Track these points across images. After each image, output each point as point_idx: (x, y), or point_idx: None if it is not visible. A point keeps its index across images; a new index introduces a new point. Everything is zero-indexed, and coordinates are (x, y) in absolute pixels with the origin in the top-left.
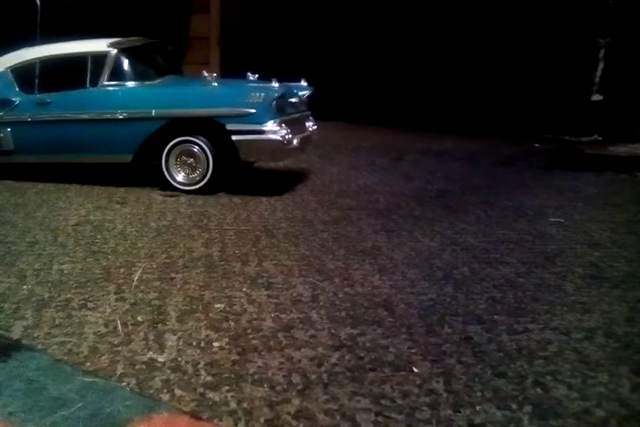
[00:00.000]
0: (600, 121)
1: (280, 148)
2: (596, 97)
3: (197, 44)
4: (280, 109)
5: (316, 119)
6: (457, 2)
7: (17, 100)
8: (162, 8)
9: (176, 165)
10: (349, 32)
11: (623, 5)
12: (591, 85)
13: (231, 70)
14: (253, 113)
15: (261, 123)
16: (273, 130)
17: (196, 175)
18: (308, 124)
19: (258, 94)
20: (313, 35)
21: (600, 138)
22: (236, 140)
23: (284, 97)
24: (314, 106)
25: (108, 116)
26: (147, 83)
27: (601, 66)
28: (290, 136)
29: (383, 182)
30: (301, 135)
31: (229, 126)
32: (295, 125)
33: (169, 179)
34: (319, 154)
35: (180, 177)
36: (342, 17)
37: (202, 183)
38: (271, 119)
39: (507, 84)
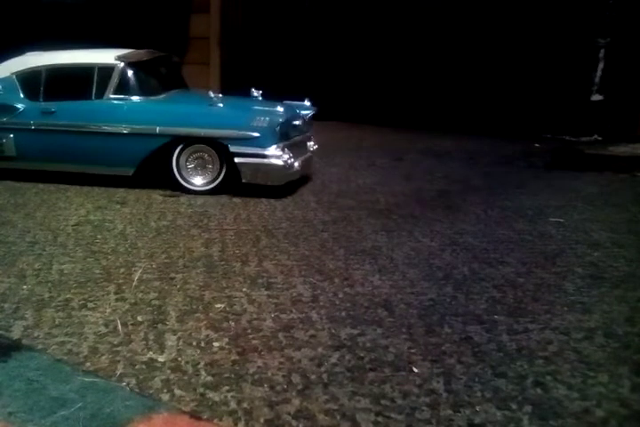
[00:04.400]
0: (600, 121)
1: (282, 172)
2: (596, 97)
3: (197, 44)
4: (283, 134)
5: (316, 119)
6: (457, 2)
7: (21, 106)
8: (162, 8)
9: (187, 166)
10: (349, 32)
11: (623, 5)
12: (591, 85)
13: (231, 71)
14: (257, 137)
15: (264, 147)
16: (276, 154)
17: (207, 176)
18: (309, 144)
19: (262, 118)
20: (313, 34)
21: (600, 138)
22: (239, 163)
23: (288, 121)
24: (315, 106)
25: (112, 129)
26: (152, 98)
27: (601, 66)
28: (292, 160)
29: (383, 182)
30: (302, 158)
31: (232, 148)
32: (297, 148)
33: (180, 180)
34: (319, 154)
35: (193, 178)
36: (342, 17)
37: (214, 184)
38: (274, 144)
39: (507, 84)
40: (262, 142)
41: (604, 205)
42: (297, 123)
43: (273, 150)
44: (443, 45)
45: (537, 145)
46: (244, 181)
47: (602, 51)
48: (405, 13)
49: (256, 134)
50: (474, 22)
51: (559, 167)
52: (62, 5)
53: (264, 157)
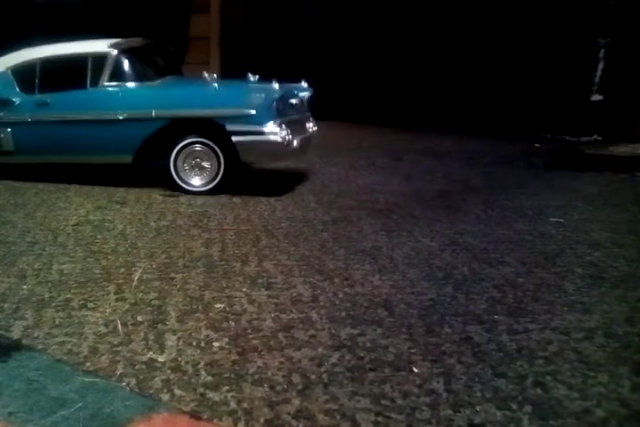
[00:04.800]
0: (600, 121)
1: (280, 149)
2: (596, 97)
3: (197, 44)
4: (280, 111)
5: (316, 119)
6: (457, 2)
7: (17, 100)
8: (162, 8)
9: (184, 167)
10: (349, 32)
11: (623, 5)
12: (591, 85)
13: (231, 70)
14: (253, 114)
15: (261, 124)
16: (273, 131)
17: (205, 176)
18: (308, 125)
19: (258, 95)
20: (313, 35)
21: (600, 138)
22: (236, 142)
23: (284, 98)
24: (314, 106)
25: (108, 116)
26: (147, 83)
27: (601, 66)
28: (290, 137)
29: (383, 182)
30: (302, 136)
31: (229, 127)
32: (295, 127)
33: (177, 180)
34: (319, 154)
35: (191, 179)
36: (342, 17)
37: (213, 184)
38: (271, 120)
39: (507, 84)
40: (259, 119)
41: (604, 205)
42: (294, 101)
43: (270, 127)
44: (443, 45)
45: (537, 145)
46: (242, 160)
47: (602, 51)
48: (405, 13)
49: (252, 111)
50: (474, 22)
51: (559, 167)
52: (62, 5)
53: (262, 134)
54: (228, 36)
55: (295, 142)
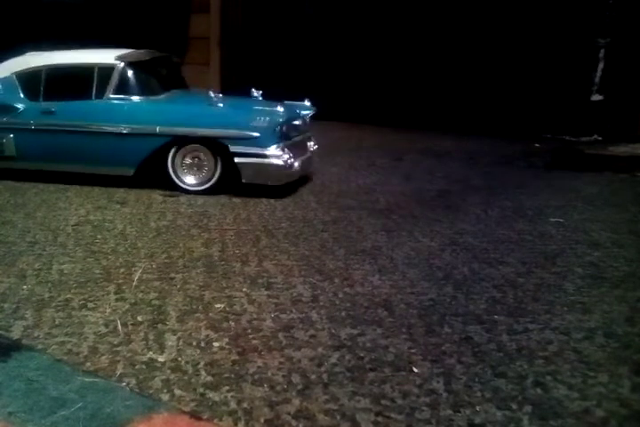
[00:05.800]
0: (600, 121)
1: (282, 172)
2: (596, 97)
3: (197, 44)
4: (283, 134)
5: (317, 119)
6: (457, 2)
7: (21, 106)
8: (162, 8)
9: (182, 166)
10: (349, 32)
11: (623, 5)
12: (591, 85)
13: (231, 70)
14: (257, 137)
15: (265, 147)
16: (276, 154)
17: (203, 175)
18: (309, 144)
19: (263, 118)
20: (313, 35)
21: (600, 138)
22: (239, 163)
23: (287, 121)
24: (314, 106)
25: (112, 129)
26: (152, 98)
27: (601, 66)
28: (292, 160)
29: (383, 182)
30: (302, 158)
31: (233, 148)
32: (297, 148)
33: (175, 179)
34: (319, 154)
35: (187, 178)
36: (342, 17)
37: (209, 184)
38: (274, 143)
39: (507, 84)
40: (262, 142)
41: (603, 205)
42: (297, 123)
43: (273, 150)
44: (443, 45)
45: (537, 145)
46: (244, 180)
47: (602, 51)
48: (405, 13)
49: (256, 134)
50: (474, 22)
51: (559, 167)
52: (62, 5)
53: (264, 156)
54: (228, 36)
55: (296, 164)
